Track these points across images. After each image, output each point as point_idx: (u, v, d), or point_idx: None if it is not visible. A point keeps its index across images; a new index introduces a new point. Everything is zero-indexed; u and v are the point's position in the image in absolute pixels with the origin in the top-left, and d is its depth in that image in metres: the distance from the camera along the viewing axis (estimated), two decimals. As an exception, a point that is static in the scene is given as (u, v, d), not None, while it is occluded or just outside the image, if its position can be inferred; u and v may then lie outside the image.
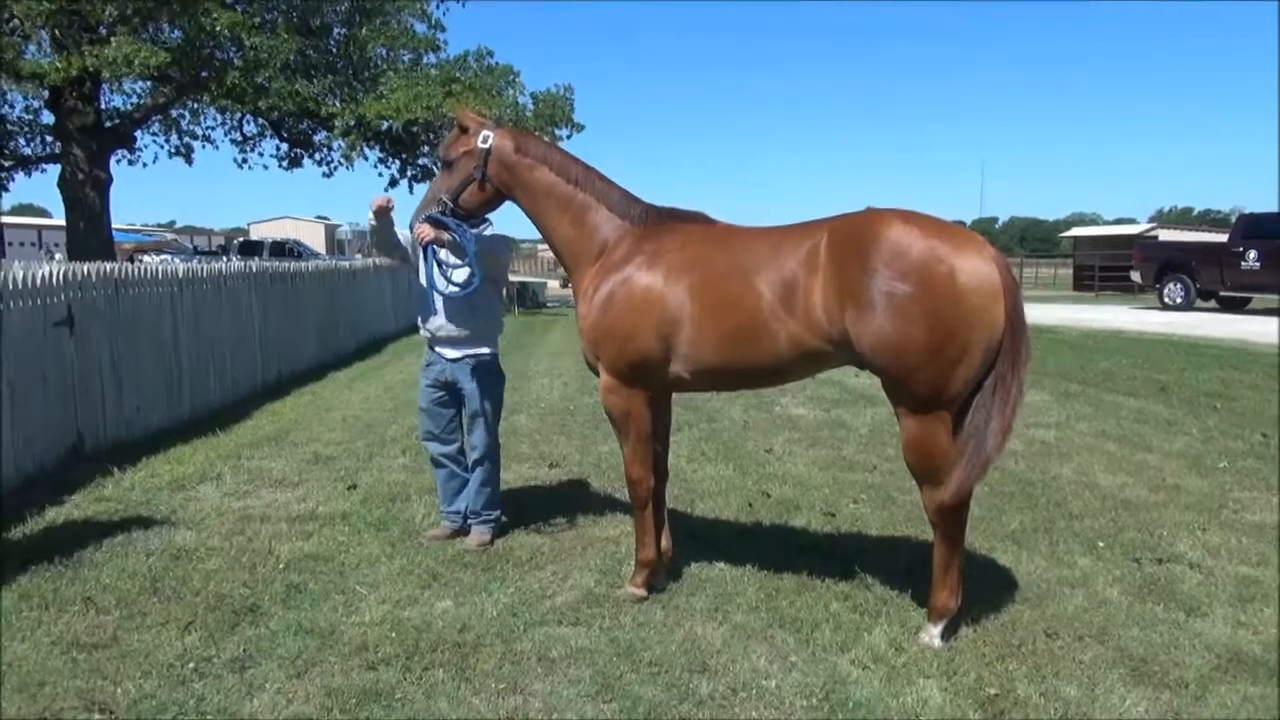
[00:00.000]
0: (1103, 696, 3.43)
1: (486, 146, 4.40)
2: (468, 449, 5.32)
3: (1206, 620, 4.08)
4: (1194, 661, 3.69)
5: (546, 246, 4.91)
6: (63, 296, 6.79)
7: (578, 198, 4.36)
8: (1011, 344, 3.63)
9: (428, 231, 4.62)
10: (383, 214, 4.89)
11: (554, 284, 34.38)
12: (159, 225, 65.30)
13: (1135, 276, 25.68)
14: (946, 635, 3.85)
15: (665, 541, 4.52)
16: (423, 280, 5.00)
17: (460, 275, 4.87)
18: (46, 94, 18.18)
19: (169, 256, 32.10)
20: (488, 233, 5.13)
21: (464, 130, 4.49)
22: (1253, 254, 22.01)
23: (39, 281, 6.52)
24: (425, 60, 22.30)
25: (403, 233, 5.10)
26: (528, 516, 5.48)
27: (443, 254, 4.87)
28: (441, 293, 4.96)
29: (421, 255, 4.93)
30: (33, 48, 18.07)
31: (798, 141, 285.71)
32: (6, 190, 21.73)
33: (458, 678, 3.56)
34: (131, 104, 20.67)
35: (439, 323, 5.11)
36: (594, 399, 8.80)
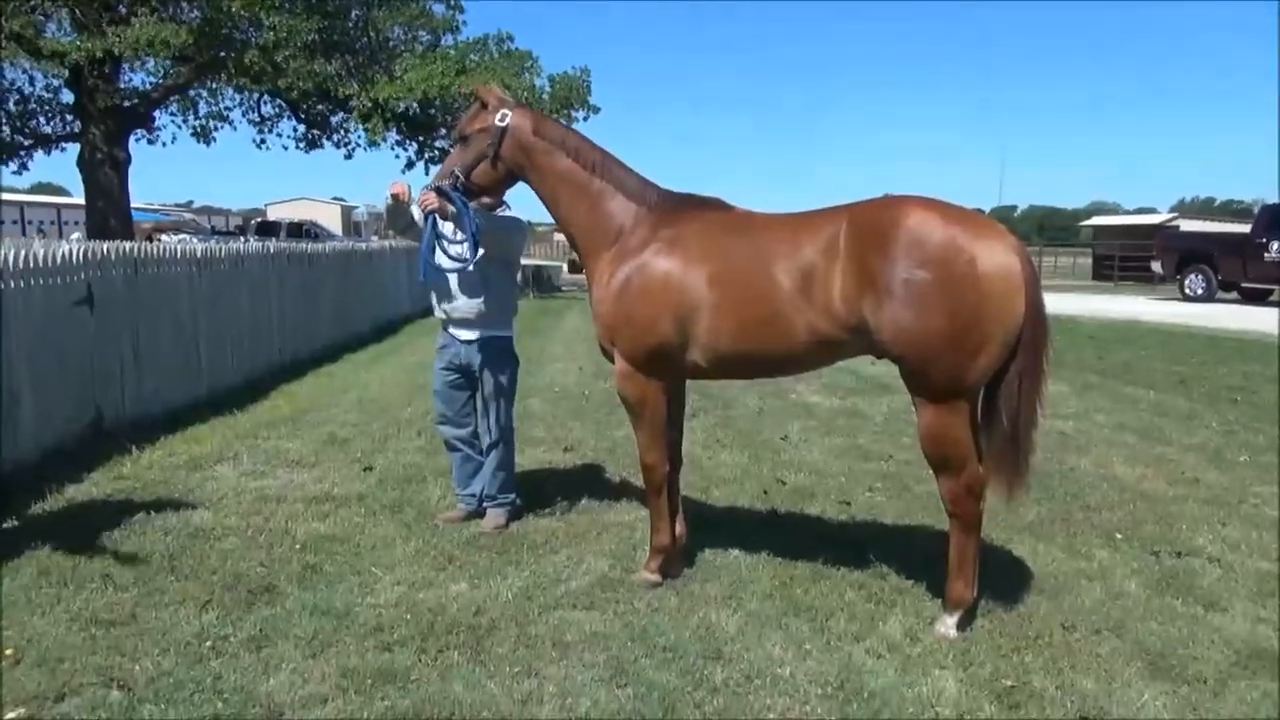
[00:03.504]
0: (1120, 690, 3.41)
1: (504, 125, 4.35)
2: (482, 432, 5.32)
3: (1226, 615, 4.04)
4: (1213, 656, 3.66)
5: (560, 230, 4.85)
6: (82, 275, 6.82)
7: (594, 184, 4.32)
8: (1032, 335, 3.61)
9: (432, 200, 4.55)
10: (399, 201, 4.86)
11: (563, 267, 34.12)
12: (177, 205, 65.55)
13: (1156, 267, 25.48)
14: (962, 626, 3.83)
15: (680, 528, 4.51)
16: (421, 250, 4.90)
17: (456, 250, 4.80)
18: (67, 73, 18.24)
19: (186, 236, 32.24)
20: (501, 214, 5.09)
21: (484, 106, 4.45)
22: (1275, 245, 21.79)
23: (59, 260, 6.55)
24: (444, 42, 22.27)
25: (417, 212, 5.06)
26: (542, 500, 5.49)
27: (444, 227, 4.82)
28: (435, 265, 4.89)
29: (423, 225, 4.86)
30: (52, 26, 18.14)
31: (815, 127, 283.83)
32: (27, 169, 21.84)
33: (472, 660, 3.58)
34: (150, 84, 20.73)
35: (453, 304, 5.09)
36: (609, 383, 8.78)
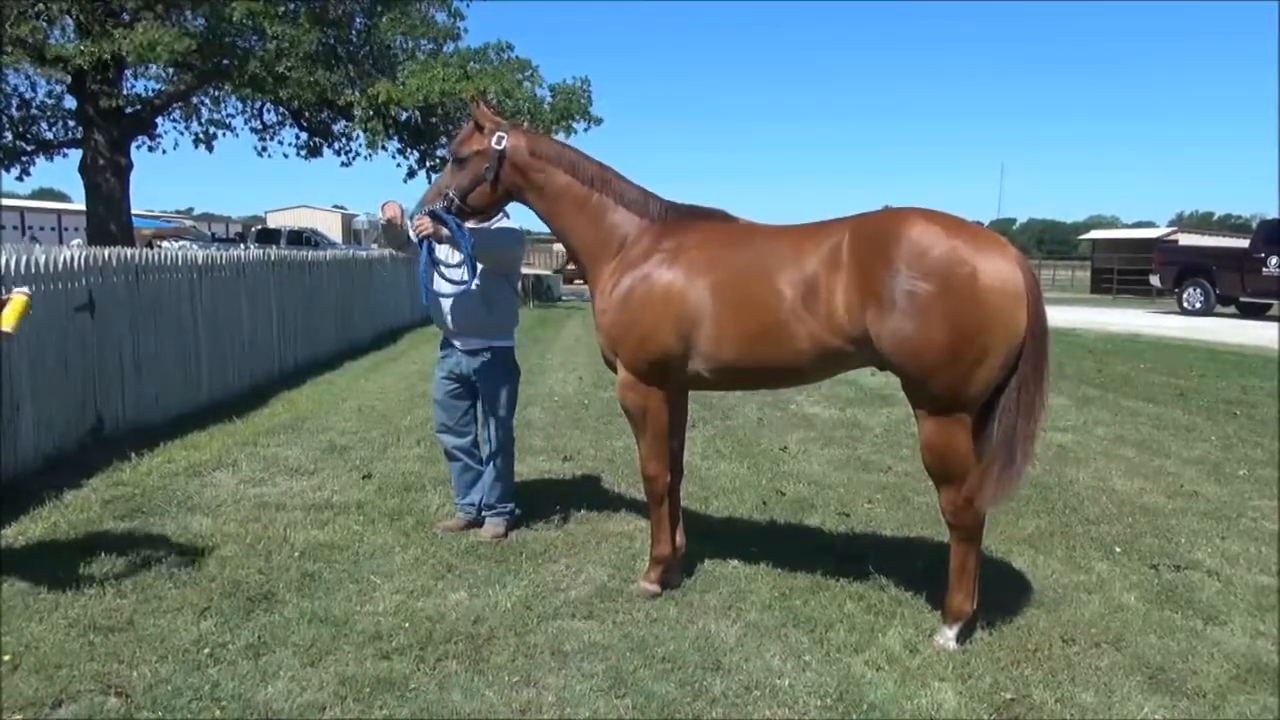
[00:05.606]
0: (1119, 704, 3.40)
1: (501, 148, 4.34)
2: (482, 442, 5.32)
3: (1225, 629, 4.04)
4: (1212, 670, 3.66)
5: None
6: (84, 281, 6.83)
7: (593, 198, 4.33)
8: (1033, 347, 3.61)
9: (426, 225, 4.56)
10: (392, 223, 4.85)
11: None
12: (178, 212, 65.64)
13: (1155, 280, 25.53)
14: (962, 638, 3.83)
15: (679, 538, 4.51)
16: (419, 274, 4.92)
17: (454, 274, 4.81)
18: (69, 79, 18.27)
19: (187, 243, 32.24)
20: (500, 224, 5.10)
21: (479, 128, 4.44)
22: (1274, 260, 21.84)
23: (60, 266, 6.56)
24: (445, 50, 22.32)
25: (412, 232, 5.05)
26: (541, 510, 5.48)
27: (440, 250, 4.82)
28: (433, 290, 4.90)
29: (418, 248, 4.84)
30: (56, 32, 18.18)
31: (814, 140, 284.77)
32: (29, 175, 21.85)
33: (471, 669, 3.57)
34: (153, 91, 20.77)
35: (454, 316, 5.10)
36: (609, 393, 8.80)
